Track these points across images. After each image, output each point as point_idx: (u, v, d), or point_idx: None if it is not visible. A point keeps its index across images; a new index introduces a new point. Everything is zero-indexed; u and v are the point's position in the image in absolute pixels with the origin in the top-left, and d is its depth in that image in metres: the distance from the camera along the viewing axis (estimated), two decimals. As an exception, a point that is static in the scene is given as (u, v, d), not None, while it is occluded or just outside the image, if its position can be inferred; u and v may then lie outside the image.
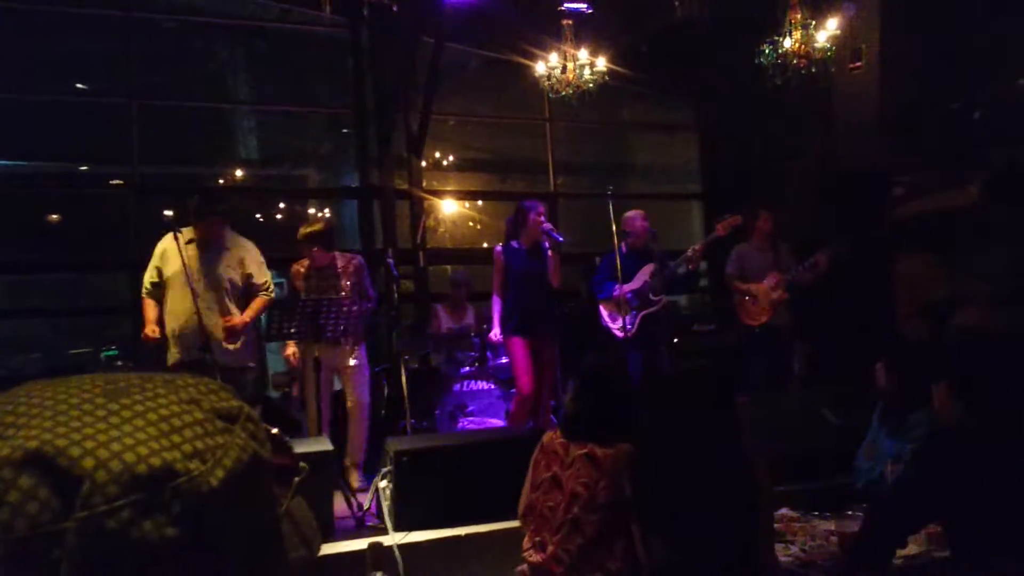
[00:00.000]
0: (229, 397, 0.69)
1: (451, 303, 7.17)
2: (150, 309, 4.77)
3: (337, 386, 5.47)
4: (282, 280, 6.09)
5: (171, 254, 4.65)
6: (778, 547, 2.90)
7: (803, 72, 5.79)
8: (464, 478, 4.12)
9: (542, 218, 5.41)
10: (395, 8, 6.55)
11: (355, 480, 5.05)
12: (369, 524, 4.17)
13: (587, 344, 5.93)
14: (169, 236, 4.67)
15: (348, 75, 8.42)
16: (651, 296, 5.87)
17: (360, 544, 3.53)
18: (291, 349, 5.22)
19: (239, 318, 4.73)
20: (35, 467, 0.58)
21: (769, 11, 5.91)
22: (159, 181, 8.39)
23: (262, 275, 4.88)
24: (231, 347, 4.72)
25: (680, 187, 10.06)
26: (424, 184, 8.25)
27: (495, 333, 5.56)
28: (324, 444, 4.27)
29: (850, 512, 3.27)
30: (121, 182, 7.47)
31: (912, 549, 2.89)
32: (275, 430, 0.75)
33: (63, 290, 8.81)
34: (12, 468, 0.58)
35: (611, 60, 6.54)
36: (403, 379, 5.03)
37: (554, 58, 6.23)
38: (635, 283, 5.88)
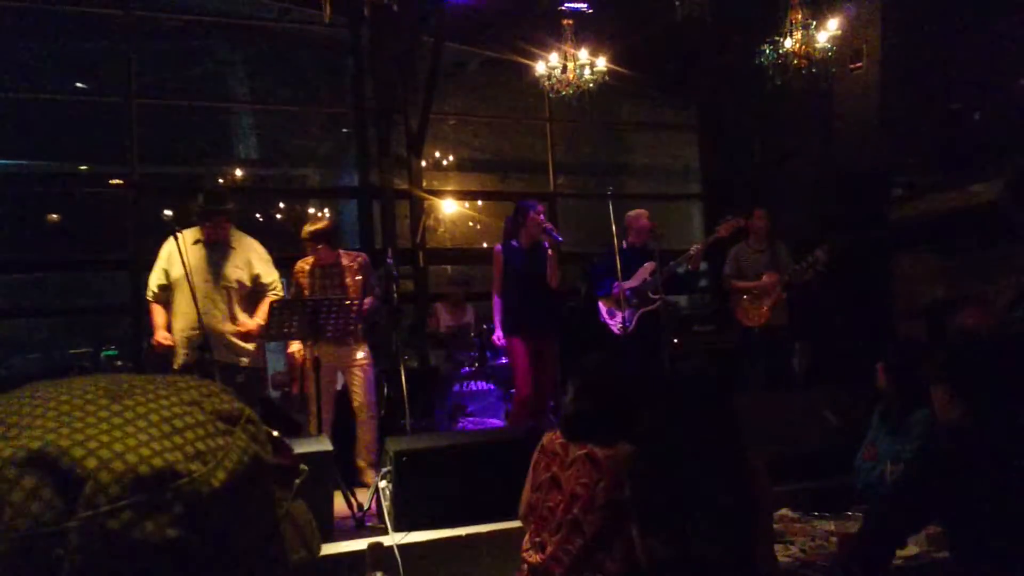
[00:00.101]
0: (230, 399, 0.69)
1: (451, 302, 7.18)
2: (158, 314, 4.70)
3: (338, 385, 5.44)
4: (283, 280, 6.08)
5: (178, 256, 4.61)
6: (778, 547, 2.90)
7: (803, 72, 5.80)
8: (464, 478, 4.13)
9: (541, 217, 5.41)
10: (395, 8, 6.54)
11: (371, 479, 5.04)
12: (369, 524, 4.17)
13: (587, 343, 5.93)
14: (180, 236, 4.63)
15: (348, 75, 8.43)
16: (650, 294, 5.87)
17: (360, 544, 3.53)
18: (296, 346, 5.18)
19: (253, 323, 4.70)
20: (38, 467, 0.58)
21: (770, 11, 5.92)
22: (159, 181, 8.40)
23: (269, 274, 4.86)
24: (249, 347, 4.72)
25: (680, 187, 10.07)
26: (424, 184, 8.25)
27: (497, 336, 5.54)
28: (324, 444, 4.27)
29: (850, 513, 3.27)
30: (121, 182, 7.47)
31: (912, 550, 2.90)
32: (276, 432, 0.75)
33: (63, 290, 8.81)
34: (15, 468, 0.58)
35: (611, 60, 6.54)
36: (403, 379, 5.02)
37: (554, 58, 6.24)
38: (634, 281, 5.87)
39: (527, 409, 5.36)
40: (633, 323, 5.70)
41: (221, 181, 8.36)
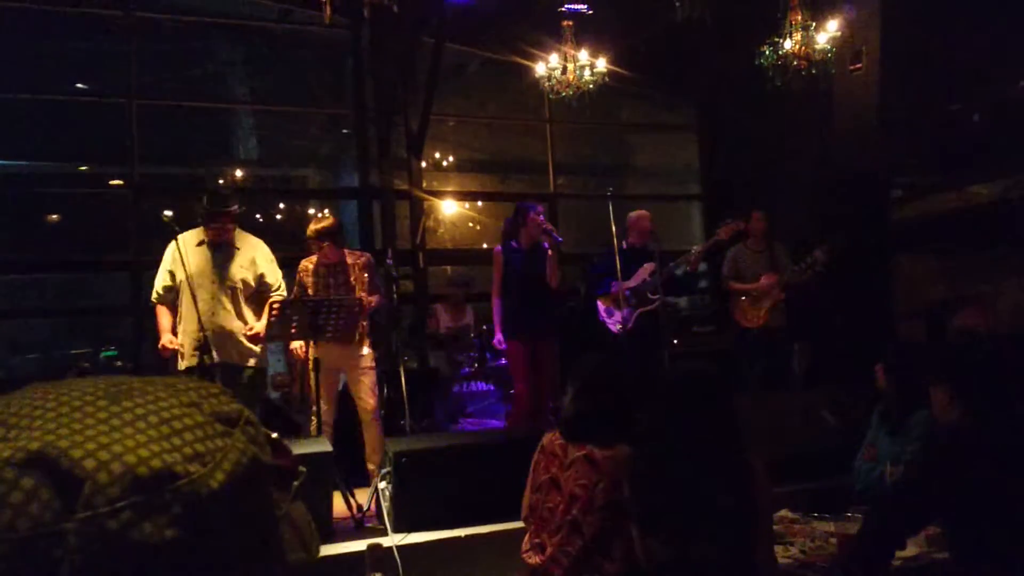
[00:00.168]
0: (229, 401, 0.70)
1: (450, 303, 7.18)
2: (164, 317, 4.65)
3: (339, 385, 5.41)
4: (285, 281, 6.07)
5: (185, 256, 4.60)
6: (777, 548, 2.90)
7: (803, 73, 5.80)
8: (463, 479, 4.13)
9: (541, 218, 5.41)
10: (395, 8, 6.54)
11: None
12: (368, 525, 4.17)
13: (587, 344, 5.94)
14: (182, 237, 4.63)
15: (348, 76, 8.44)
16: (649, 295, 5.88)
17: (359, 545, 3.53)
18: (297, 342, 5.14)
19: (260, 326, 4.68)
20: (37, 468, 0.59)
21: (769, 12, 5.92)
22: (159, 181, 8.41)
23: (274, 274, 4.84)
24: (256, 348, 4.71)
25: (680, 188, 10.07)
26: (424, 185, 8.25)
27: (498, 339, 5.53)
28: (323, 445, 4.27)
29: (849, 514, 3.27)
30: (121, 182, 7.48)
31: (911, 551, 2.90)
32: (274, 434, 0.75)
33: (63, 291, 8.82)
34: (15, 469, 0.59)
35: (611, 61, 6.54)
36: (402, 380, 5.01)
37: (554, 59, 6.24)
38: (633, 281, 5.87)
39: (527, 410, 5.36)
40: (631, 323, 5.70)
41: (222, 182, 8.36)
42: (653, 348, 5.54)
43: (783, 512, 3.45)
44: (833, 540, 3.08)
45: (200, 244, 4.67)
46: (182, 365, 4.59)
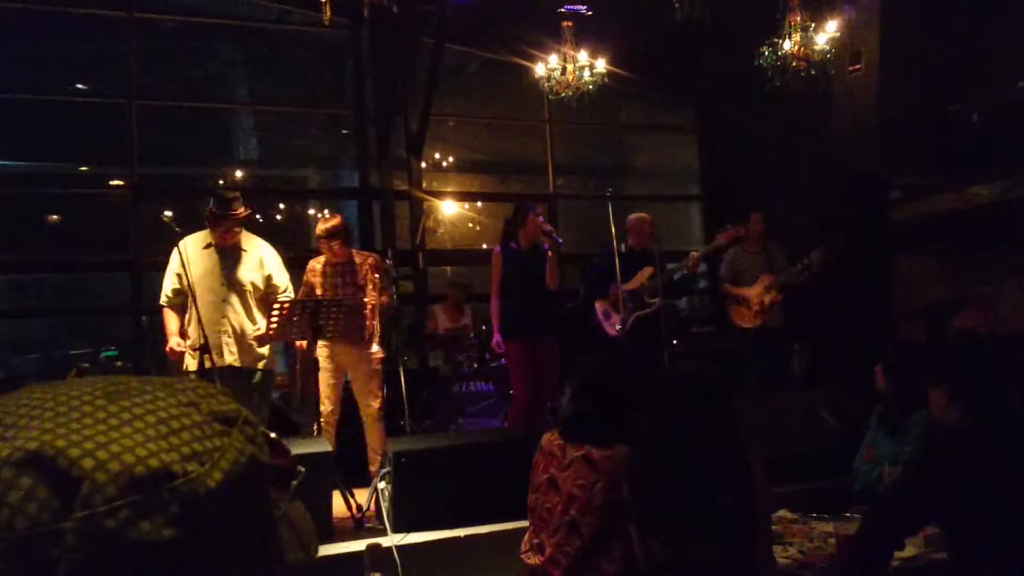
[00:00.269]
0: (227, 400, 0.70)
1: (449, 305, 7.18)
2: (171, 320, 4.62)
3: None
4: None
5: (192, 260, 4.59)
6: (776, 548, 2.90)
7: (802, 74, 5.80)
8: (463, 479, 4.13)
9: (540, 219, 5.41)
10: (395, 10, 6.55)
11: None
12: (368, 525, 4.17)
13: (586, 344, 5.93)
14: (188, 239, 4.63)
15: (348, 75, 8.44)
16: (646, 298, 5.87)
17: (358, 545, 3.53)
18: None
19: (264, 327, 4.67)
20: (35, 468, 0.59)
21: (769, 13, 5.92)
22: (159, 182, 8.41)
23: (281, 276, 4.83)
24: (264, 350, 4.72)
25: (679, 189, 10.08)
26: (424, 185, 8.25)
27: (496, 341, 5.52)
28: (322, 445, 4.27)
29: (848, 514, 3.27)
30: (121, 183, 7.48)
31: (910, 551, 2.90)
32: (273, 433, 0.75)
33: (63, 291, 8.82)
34: (12, 469, 0.59)
35: (611, 62, 6.55)
36: (402, 380, 5.01)
37: (554, 60, 6.24)
38: (632, 284, 5.87)
39: (526, 410, 5.36)
40: (628, 326, 5.69)
41: (222, 183, 8.36)
42: (652, 351, 5.53)
43: (782, 512, 3.45)
44: (832, 540, 3.08)
45: (207, 247, 4.65)
46: (187, 367, 4.58)
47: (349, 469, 4.81)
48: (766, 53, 5.76)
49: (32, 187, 8.19)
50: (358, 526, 4.15)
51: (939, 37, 6.50)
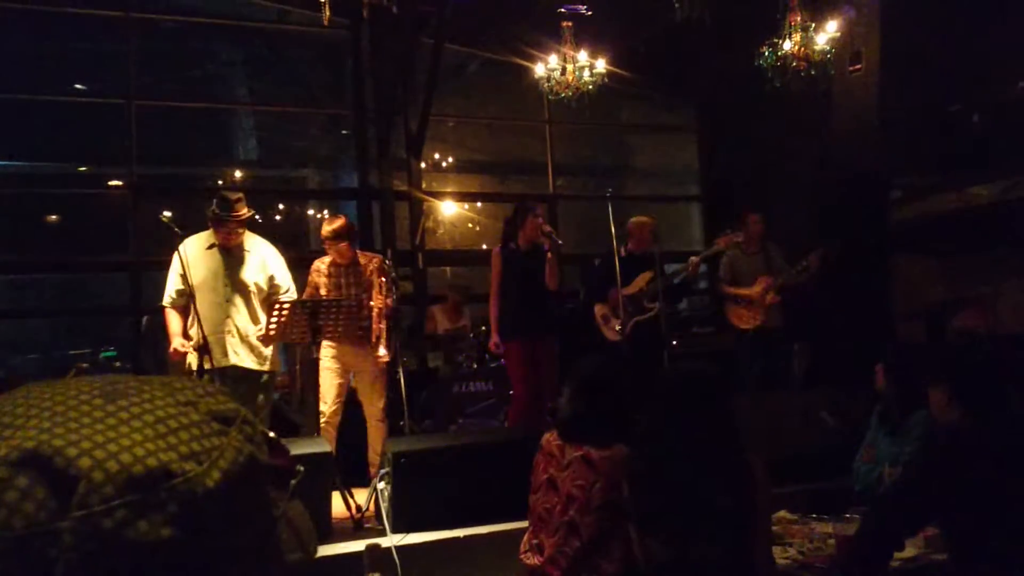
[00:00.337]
0: (226, 400, 0.70)
1: (449, 305, 7.18)
2: (174, 321, 4.60)
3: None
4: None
5: (196, 260, 4.59)
6: (776, 549, 2.90)
7: (802, 74, 5.80)
8: (462, 480, 4.12)
9: (540, 219, 5.40)
10: (395, 10, 6.54)
11: None
12: (367, 526, 4.16)
13: (586, 345, 5.93)
14: (190, 240, 4.62)
15: (347, 76, 8.44)
16: (645, 303, 5.87)
17: (358, 545, 3.53)
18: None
19: (264, 327, 4.66)
20: (33, 467, 0.59)
21: (769, 13, 5.92)
22: (158, 182, 8.41)
23: (284, 277, 4.83)
24: (267, 351, 4.71)
25: (679, 189, 10.08)
26: (423, 185, 8.25)
27: (494, 342, 5.52)
28: (321, 445, 4.27)
29: (848, 514, 3.27)
30: (120, 183, 7.48)
31: (910, 552, 2.90)
32: (272, 433, 0.75)
33: (63, 290, 8.82)
34: (10, 468, 0.59)
35: (611, 62, 6.54)
36: (401, 380, 5.00)
37: (554, 60, 6.24)
38: (631, 288, 5.86)
39: (525, 411, 5.35)
40: (627, 330, 5.69)
41: (221, 183, 8.37)
42: (651, 354, 5.51)
43: (782, 513, 3.45)
44: (831, 541, 3.08)
45: (211, 247, 4.65)
46: (189, 367, 4.57)
47: (349, 469, 4.81)
48: (766, 53, 5.76)
49: (32, 187, 8.19)
50: (357, 526, 4.15)
51: (939, 37, 6.50)
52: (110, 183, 7.64)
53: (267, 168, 9.38)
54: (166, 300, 4.67)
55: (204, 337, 4.36)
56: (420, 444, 4.53)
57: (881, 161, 6.85)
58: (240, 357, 4.61)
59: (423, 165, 8.36)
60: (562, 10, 6.27)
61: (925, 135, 7.27)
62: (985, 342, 6.12)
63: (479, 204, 9.26)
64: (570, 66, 6.14)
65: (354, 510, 4.23)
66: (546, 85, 6.24)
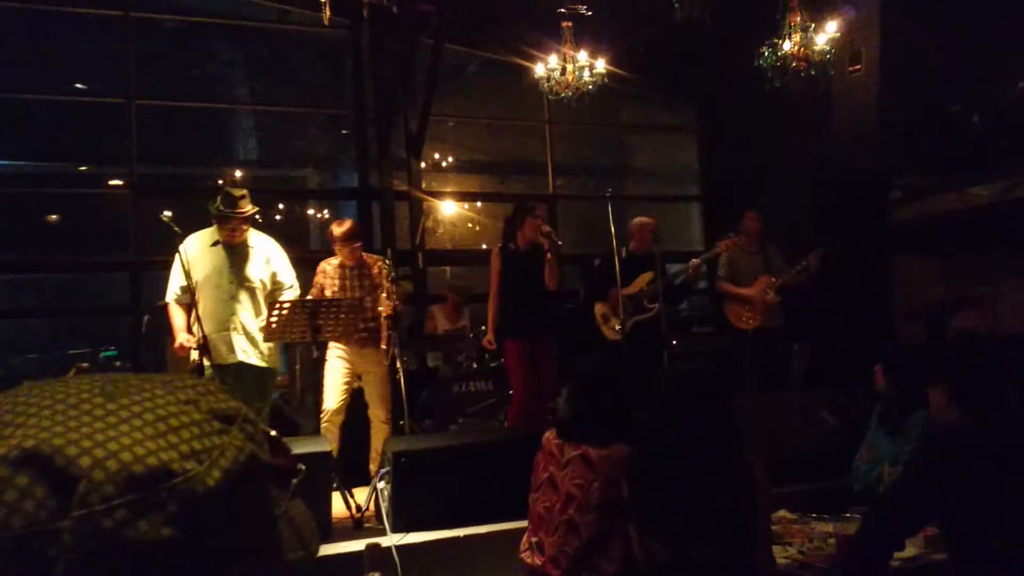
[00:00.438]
0: (227, 398, 0.69)
1: (448, 305, 7.18)
2: (178, 316, 4.61)
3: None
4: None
5: (200, 257, 4.59)
6: (776, 549, 2.90)
7: (802, 75, 5.79)
8: (462, 479, 4.13)
9: (539, 219, 5.40)
10: (394, 10, 6.54)
11: None
12: (367, 525, 4.16)
13: (586, 344, 5.93)
14: (192, 238, 4.62)
15: (347, 76, 8.43)
16: (645, 303, 5.88)
17: (358, 545, 3.53)
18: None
19: (263, 325, 4.66)
20: (32, 466, 0.59)
21: (768, 14, 5.92)
22: (158, 182, 8.40)
23: (288, 274, 4.84)
24: (270, 348, 4.72)
25: (679, 189, 10.07)
26: (423, 185, 8.25)
27: (488, 340, 5.54)
28: (322, 444, 4.27)
29: (848, 514, 3.27)
30: (120, 182, 7.47)
31: (910, 551, 2.90)
32: (273, 432, 0.75)
33: (63, 290, 8.82)
34: (9, 467, 0.58)
35: (610, 62, 6.54)
36: (401, 380, 5.01)
37: (554, 60, 6.23)
38: (631, 288, 5.87)
39: (525, 410, 5.36)
40: (627, 329, 5.70)
41: (221, 182, 8.37)
42: (651, 354, 5.52)
43: (781, 512, 3.45)
44: (831, 541, 3.08)
45: (215, 244, 4.66)
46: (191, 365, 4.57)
47: (349, 469, 4.81)
48: (766, 53, 5.76)
49: (32, 187, 8.18)
50: (357, 526, 4.15)
51: (939, 38, 6.50)
52: (110, 183, 7.64)
53: (267, 168, 9.38)
54: (170, 296, 4.67)
55: (204, 336, 4.37)
56: (420, 444, 4.53)
57: (881, 161, 6.85)
58: (246, 354, 4.62)
59: (423, 165, 8.36)
60: (562, 10, 6.27)
61: (925, 135, 7.27)
62: (985, 342, 6.11)
63: (479, 204, 9.25)
64: (570, 66, 6.13)
65: (354, 510, 4.24)
66: (546, 85, 6.23)
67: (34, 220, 8.05)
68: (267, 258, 4.75)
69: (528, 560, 2.76)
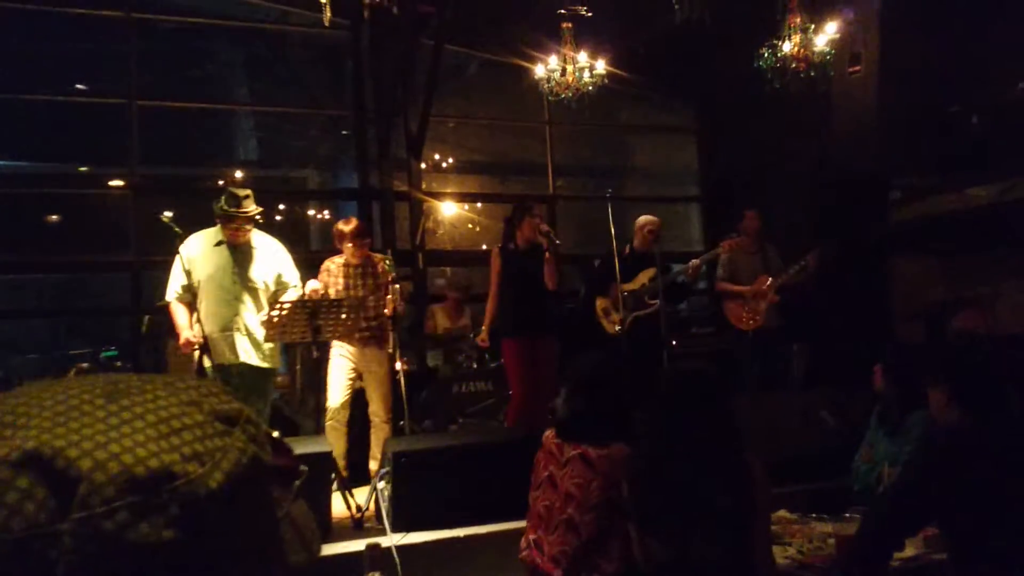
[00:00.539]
0: (229, 400, 0.69)
1: (449, 304, 7.18)
2: (181, 315, 4.60)
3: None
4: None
5: (203, 257, 4.58)
6: (776, 549, 2.90)
7: (802, 76, 5.80)
8: (462, 479, 4.13)
9: (538, 220, 5.41)
10: (395, 11, 6.54)
11: None
12: (367, 525, 4.16)
13: (586, 344, 5.94)
14: (194, 238, 4.61)
15: (347, 76, 8.43)
16: (646, 299, 5.91)
17: (358, 545, 3.53)
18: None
19: (262, 324, 4.66)
20: (33, 468, 0.58)
21: (768, 15, 5.92)
22: (159, 182, 8.40)
23: (292, 274, 4.84)
24: (271, 348, 4.72)
25: (679, 190, 10.07)
26: (423, 186, 8.25)
27: (481, 338, 5.57)
28: (322, 445, 4.27)
29: (848, 514, 3.27)
30: (121, 183, 7.47)
31: (909, 551, 2.90)
32: (275, 432, 0.75)
33: (63, 290, 8.81)
34: (10, 468, 0.58)
35: (610, 63, 6.54)
36: (401, 380, 5.01)
37: (554, 61, 6.23)
38: (632, 284, 5.94)
39: (524, 410, 5.36)
40: (626, 325, 5.73)
41: (221, 183, 8.36)
42: (650, 351, 5.54)
43: (781, 513, 3.45)
44: (831, 541, 3.08)
45: (218, 244, 4.65)
46: (205, 363, 4.56)
47: (349, 469, 4.81)
48: (766, 54, 5.76)
49: (32, 187, 8.18)
50: (357, 526, 4.15)
51: (938, 39, 6.50)
52: (110, 183, 7.64)
53: (267, 168, 9.37)
54: (171, 295, 4.65)
55: (205, 336, 4.37)
56: (420, 444, 4.53)
57: (881, 161, 6.85)
58: (248, 354, 4.62)
59: (423, 165, 8.36)
60: (562, 11, 6.27)
61: (924, 136, 7.27)
62: (985, 342, 6.11)
63: (479, 204, 9.25)
64: (570, 67, 6.13)
65: (354, 509, 4.24)
66: (546, 86, 6.23)
67: (34, 220, 8.04)
68: (271, 258, 4.75)
69: (528, 559, 2.76)
